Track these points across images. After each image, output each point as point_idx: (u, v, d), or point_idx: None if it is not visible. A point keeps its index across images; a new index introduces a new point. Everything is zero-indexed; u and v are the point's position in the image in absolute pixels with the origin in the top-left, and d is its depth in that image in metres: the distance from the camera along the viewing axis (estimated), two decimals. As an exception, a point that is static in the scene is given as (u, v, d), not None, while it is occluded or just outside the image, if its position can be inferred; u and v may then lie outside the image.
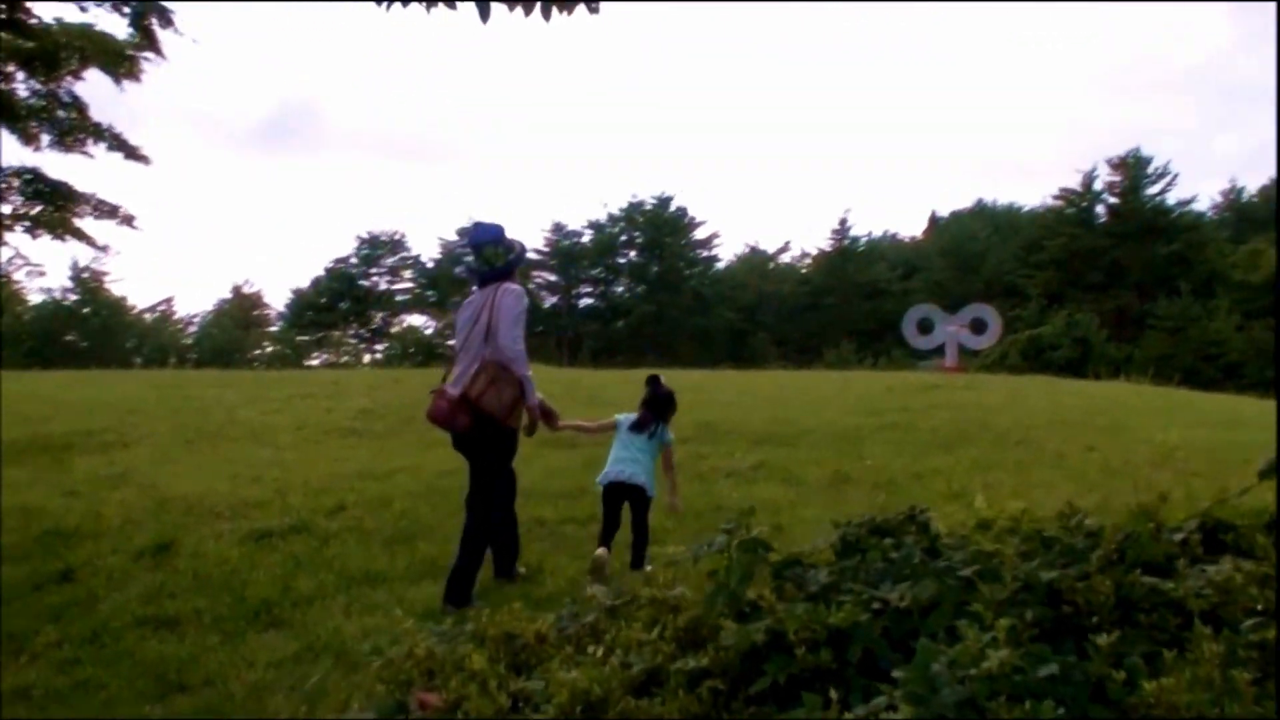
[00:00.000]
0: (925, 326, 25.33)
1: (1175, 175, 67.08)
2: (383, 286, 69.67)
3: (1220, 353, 53.56)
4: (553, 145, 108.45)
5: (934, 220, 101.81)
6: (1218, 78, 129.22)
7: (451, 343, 6.11)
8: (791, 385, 13.66)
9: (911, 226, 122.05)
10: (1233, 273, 63.11)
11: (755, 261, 74.69)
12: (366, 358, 64.14)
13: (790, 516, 6.80)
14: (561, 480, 8.05)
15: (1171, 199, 68.14)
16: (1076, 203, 68.67)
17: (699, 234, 71.48)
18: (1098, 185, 68.41)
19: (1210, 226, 69.91)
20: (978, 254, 73.75)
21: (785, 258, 76.15)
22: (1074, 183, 69.04)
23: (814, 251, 74.40)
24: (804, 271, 73.94)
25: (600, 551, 5.88)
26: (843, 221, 72.14)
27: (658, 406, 6.31)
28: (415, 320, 68.67)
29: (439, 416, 5.70)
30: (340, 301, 66.65)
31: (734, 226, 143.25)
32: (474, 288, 6.03)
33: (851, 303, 68.92)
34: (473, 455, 5.83)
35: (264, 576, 5.90)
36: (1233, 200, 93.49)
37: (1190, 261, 64.72)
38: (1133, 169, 67.14)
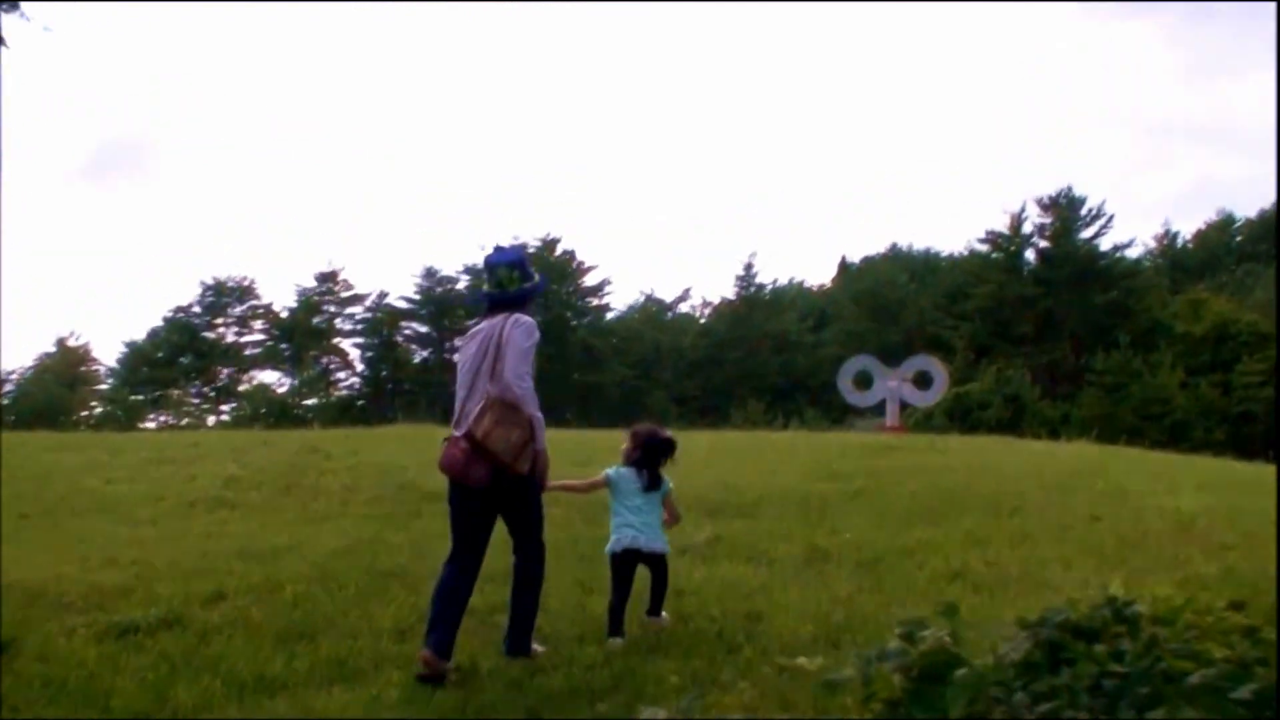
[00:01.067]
0: (863, 381, 25.27)
1: (1110, 216, 69.09)
2: (230, 338, 68.03)
3: (1164, 411, 54.96)
4: (424, 183, 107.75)
5: (844, 266, 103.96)
6: (1148, 115, 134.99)
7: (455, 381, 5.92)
8: (728, 447, 13.32)
9: (820, 273, 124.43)
10: (1174, 324, 65.30)
11: (651, 311, 74.85)
12: (211, 419, 62.28)
13: (767, 602, 6.39)
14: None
15: (1106, 243, 70.39)
16: (1004, 247, 70.27)
17: (588, 280, 71.45)
18: (1027, 228, 70.24)
19: (1149, 273, 72.38)
20: (897, 302, 75.10)
21: (684, 307, 76.57)
22: (1001, 225, 70.80)
23: (716, 300, 74.88)
24: (705, 322, 74.35)
25: (615, 641, 5.86)
26: (748, 267, 72.69)
27: (659, 454, 6.35)
28: (267, 377, 67.10)
29: (454, 467, 5.52)
30: (181, 356, 64.74)
31: (627, 272, 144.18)
32: (479, 319, 5.99)
33: (759, 356, 69.37)
34: (488, 512, 5.72)
35: (131, 683, 5.24)
36: (1166, 245, 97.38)
37: (1129, 311, 66.66)
38: (1064, 210, 69.05)
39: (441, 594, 5.59)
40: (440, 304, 69.46)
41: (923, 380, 24.76)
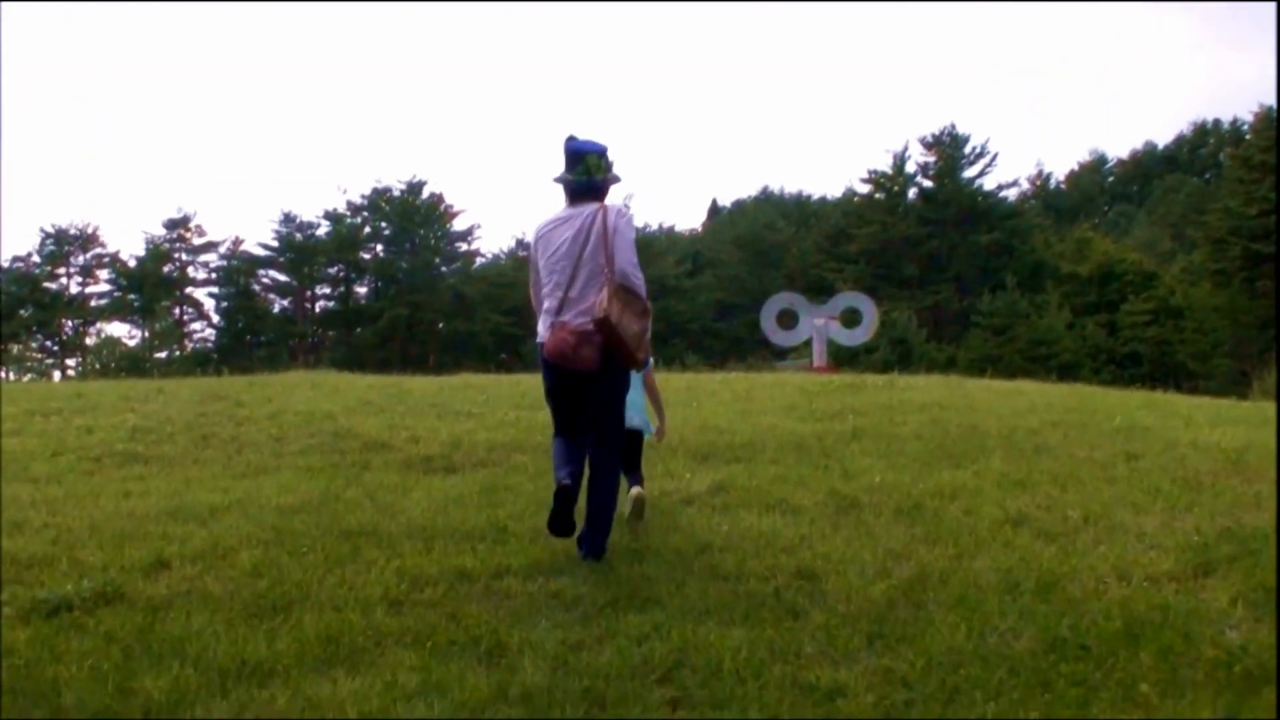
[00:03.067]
0: (787, 320, 24.53)
1: (994, 155, 69.93)
2: (74, 289, 65.06)
3: (1051, 352, 55.71)
4: (279, 124, 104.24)
5: (715, 210, 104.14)
6: (1024, 56, 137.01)
7: (542, 268, 6.00)
8: (674, 388, 12.56)
9: (690, 217, 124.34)
10: (1060, 264, 66.38)
11: (525, 257, 73.70)
12: (56, 375, 59.43)
13: (814, 557, 5.65)
14: (461, 514, 6.65)
15: (990, 183, 71.15)
16: (887, 187, 70.67)
17: (457, 225, 69.91)
18: (910, 167, 70.61)
19: (1033, 213, 73.42)
20: (778, 245, 75.13)
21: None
22: (884, 164, 71.04)
23: (594, 243, 73.89)
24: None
25: (635, 490, 6.48)
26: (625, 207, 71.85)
27: None
28: (115, 329, 64.31)
29: (564, 351, 5.70)
30: (20, 308, 61.65)
31: (498, 217, 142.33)
32: (567, 207, 6.01)
33: (638, 301, 68.66)
34: (579, 397, 5.94)
35: (81, 673, 4.25)
36: (1040, 186, 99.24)
37: (1014, 251, 67.57)
38: (948, 149, 69.56)
39: (558, 450, 5.98)
40: (301, 251, 67.30)
41: (851, 318, 24.24)
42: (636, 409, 6.55)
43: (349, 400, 11.32)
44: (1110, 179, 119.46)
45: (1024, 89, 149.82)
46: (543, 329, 5.95)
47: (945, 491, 6.99)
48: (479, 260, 71.44)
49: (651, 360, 6.63)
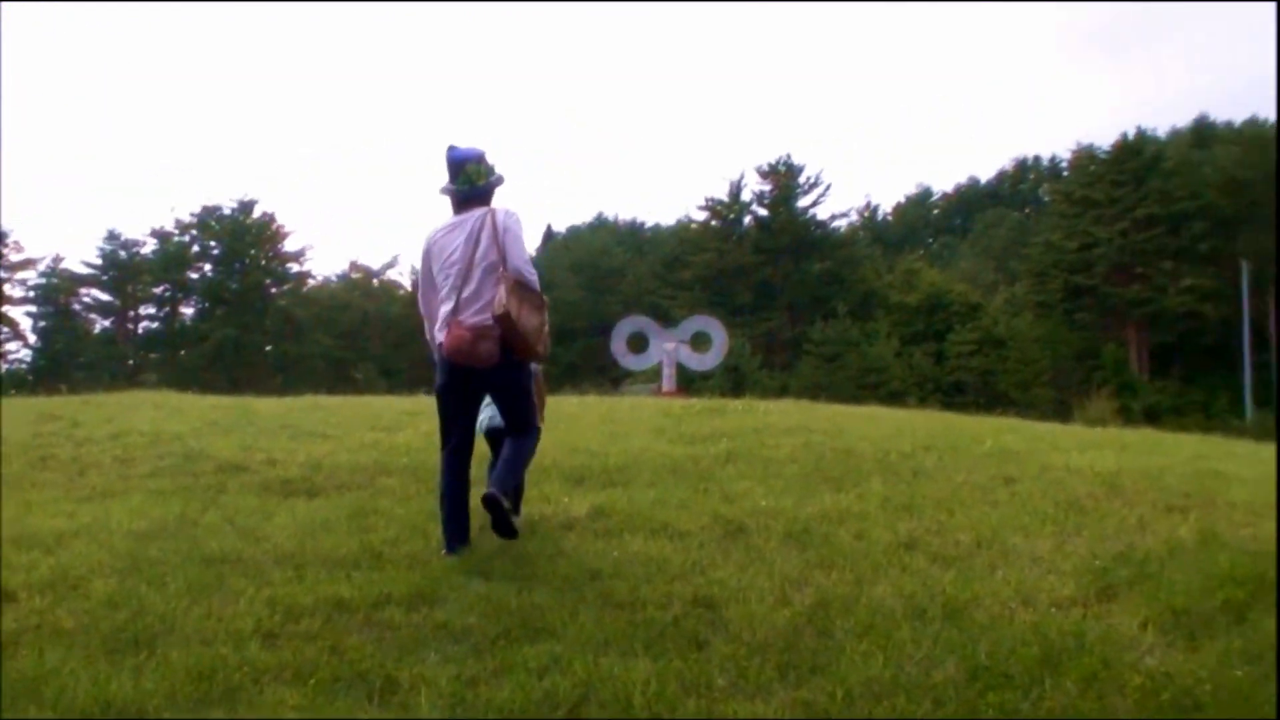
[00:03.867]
0: (637, 343, 24.26)
1: (828, 185, 71.46)
2: None
3: (881, 380, 56.96)
4: (105, 139, 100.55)
5: (549, 235, 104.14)
6: (857, 88, 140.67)
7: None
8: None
9: (527, 244, 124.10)
10: (889, 294, 68.01)
11: (358, 280, 72.31)
12: None
13: (709, 584, 5.44)
14: (331, 540, 6.25)
15: (824, 212, 72.64)
16: (724, 214, 71.57)
17: (289, 245, 68.35)
18: (746, 195, 71.62)
19: (863, 243, 75.13)
20: (614, 271, 75.34)
21: (393, 274, 74.30)
22: (721, 192, 71.92)
23: (424, 269, 73.01)
24: (416, 292, 72.46)
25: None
26: (462, 232, 71.11)
27: None
28: None
29: (460, 347, 5.90)
30: None
31: (331, 238, 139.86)
32: (456, 216, 6.23)
33: (471, 326, 68.03)
34: (480, 396, 6.29)
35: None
36: (867, 217, 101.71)
37: (844, 281, 69.03)
38: (783, 178, 70.77)
39: (452, 492, 6.16)
40: (125, 269, 64.96)
41: (701, 342, 24.16)
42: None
43: (194, 421, 10.73)
44: (935, 212, 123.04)
45: (854, 122, 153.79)
46: (438, 331, 6.14)
47: (831, 515, 6.86)
48: (310, 282, 69.94)
49: (538, 368, 6.79)
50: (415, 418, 11.28)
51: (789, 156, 71.05)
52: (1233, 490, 7.27)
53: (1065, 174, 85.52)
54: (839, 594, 5.28)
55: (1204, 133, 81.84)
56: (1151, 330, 62.04)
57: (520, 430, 6.28)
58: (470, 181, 6.23)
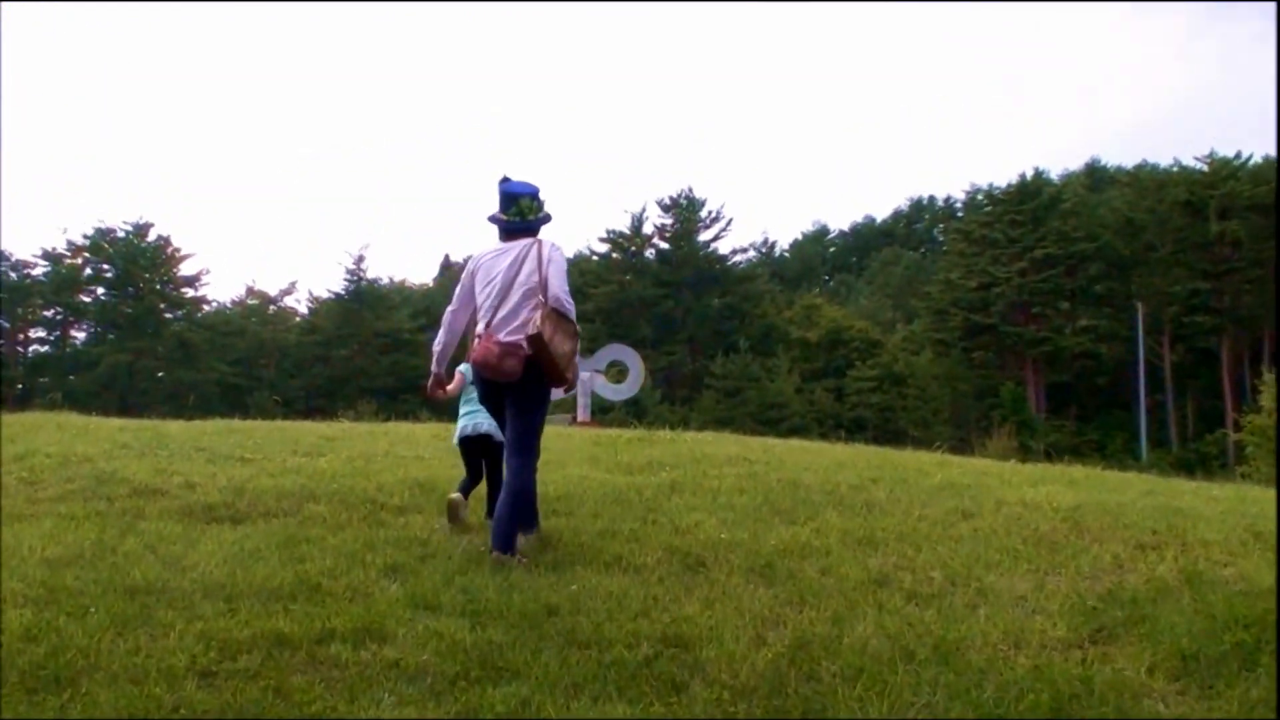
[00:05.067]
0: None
1: (730, 220, 71.73)
2: None
3: (781, 416, 57.12)
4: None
5: (447, 264, 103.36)
6: (752, 125, 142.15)
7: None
8: (423, 438, 11.84)
9: (421, 272, 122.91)
10: (790, 329, 68.43)
11: (255, 305, 70.93)
12: None
13: (677, 622, 5.07)
14: (264, 569, 5.75)
15: (725, 247, 72.83)
16: (625, 247, 71.49)
17: (184, 269, 66.81)
18: (648, 228, 71.61)
19: (764, 278, 75.52)
20: (509, 301, 74.73)
21: (290, 301, 73.02)
22: (623, 225, 71.83)
23: (325, 295, 71.89)
24: (313, 319, 71.24)
25: (455, 495, 7.19)
26: (358, 261, 70.12)
27: None
28: None
29: (489, 360, 6.25)
30: None
31: (228, 263, 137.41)
32: (498, 242, 6.67)
33: (368, 355, 67.22)
34: (502, 406, 6.57)
35: None
36: (765, 254, 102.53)
37: (745, 315, 69.28)
38: (685, 211, 70.94)
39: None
40: (15, 291, 62.96)
41: (617, 372, 23.77)
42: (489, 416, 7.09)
43: (103, 443, 10.06)
44: (831, 249, 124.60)
45: (752, 157, 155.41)
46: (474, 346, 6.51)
47: (792, 549, 6.53)
48: (206, 307, 68.31)
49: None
50: (335, 442, 10.79)
51: (690, 190, 71.34)
52: (1200, 528, 7.06)
53: (960, 214, 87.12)
54: (818, 633, 4.95)
55: (1097, 175, 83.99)
56: (1049, 369, 63.12)
57: (519, 450, 6.48)
58: (522, 215, 6.62)
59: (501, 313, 6.35)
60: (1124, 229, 62.50)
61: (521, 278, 6.38)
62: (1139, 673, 4.46)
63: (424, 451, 10.37)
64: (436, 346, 6.87)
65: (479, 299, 6.53)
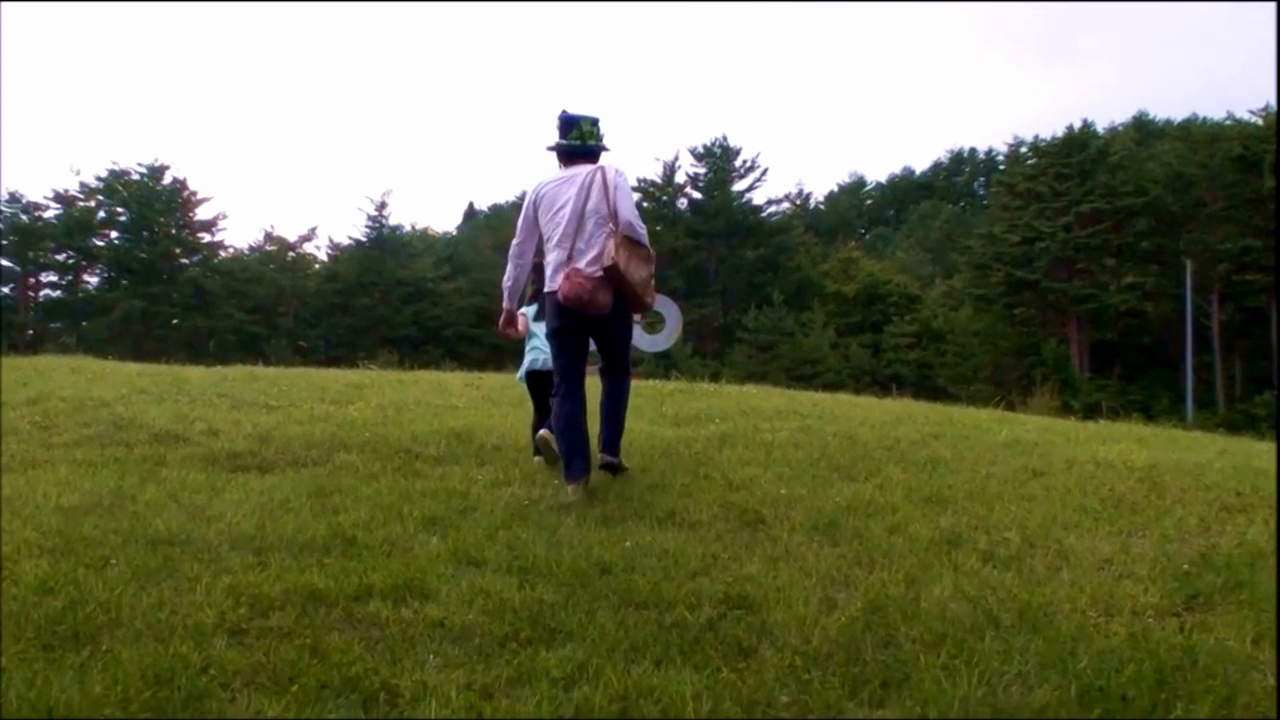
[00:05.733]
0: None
1: (765, 170, 71.04)
2: None
3: (816, 372, 56.66)
4: (5, 96, 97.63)
5: (471, 213, 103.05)
6: (790, 75, 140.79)
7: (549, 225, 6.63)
8: (454, 386, 11.66)
9: (445, 220, 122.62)
10: (825, 283, 67.93)
11: (273, 252, 70.79)
12: None
13: (739, 582, 4.82)
14: (295, 521, 5.54)
15: (760, 197, 72.21)
16: (656, 196, 71.01)
17: (201, 213, 66.64)
18: (680, 178, 71.07)
19: (799, 230, 74.92)
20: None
21: (310, 248, 72.86)
22: (654, 173, 71.34)
23: (346, 242, 71.72)
24: (333, 266, 71.15)
25: (544, 432, 7.17)
26: (381, 207, 69.88)
27: None
28: None
29: (581, 295, 6.28)
30: None
31: (246, 207, 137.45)
32: (562, 169, 6.74)
33: (390, 305, 67.15)
34: (584, 339, 6.74)
35: None
36: (800, 205, 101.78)
37: (780, 268, 68.81)
38: (719, 161, 70.35)
39: (570, 429, 6.59)
40: (26, 234, 62.87)
41: (654, 321, 23.50)
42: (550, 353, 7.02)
43: (120, 387, 9.91)
44: (869, 202, 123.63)
45: (788, 106, 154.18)
46: (550, 280, 6.58)
47: (856, 507, 6.29)
48: (223, 253, 68.25)
49: None
50: (363, 390, 10.62)
51: (724, 138, 70.76)
52: (1287, 489, 6.79)
53: (1001, 167, 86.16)
54: (892, 596, 4.71)
55: (1145, 129, 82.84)
56: (1093, 328, 62.48)
57: (619, 370, 6.91)
58: (584, 138, 6.71)
59: (579, 245, 6.45)
60: (1173, 183, 61.53)
61: (591, 205, 6.46)
62: (1244, 643, 4.20)
63: (457, 401, 10.19)
64: (507, 282, 7.00)
65: (546, 229, 6.62)
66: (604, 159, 6.80)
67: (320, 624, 4.16)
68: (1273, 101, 61.94)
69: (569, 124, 6.72)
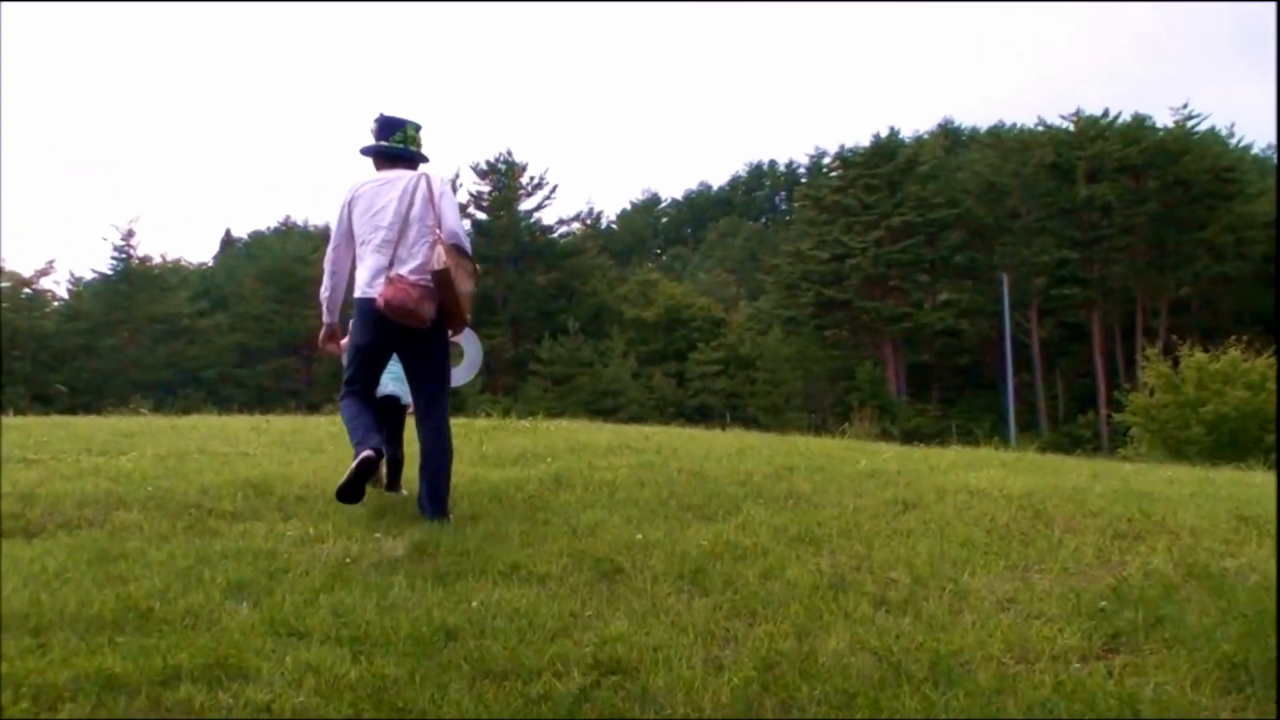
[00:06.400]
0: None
1: (555, 187, 71.06)
2: None
3: (617, 405, 56.76)
4: None
5: (229, 240, 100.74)
6: (576, 87, 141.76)
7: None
8: (239, 431, 11.16)
9: (201, 250, 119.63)
10: (624, 308, 68.23)
11: (6, 289, 67.74)
12: None
13: (607, 643, 4.53)
14: (77, 593, 5.01)
15: (549, 217, 72.28)
16: (436, 217, 70.38)
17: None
18: (461, 196, 70.61)
19: (593, 252, 75.24)
20: (310, 280, 73.17)
21: (48, 282, 69.83)
22: (434, 191, 70.71)
23: (89, 276, 69.17)
24: (75, 304, 68.55)
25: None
26: (128, 236, 67.63)
27: None
28: None
29: (405, 303, 6.29)
30: None
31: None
32: (376, 173, 6.81)
33: (142, 344, 65.09)
34: (387, 357, 6.85)
35: None
36: (591, 225, 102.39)
37: (574, 293, 68.94)
38: (504, 177, 70.19)
39: (360, 412, 6.71)
40: None
41: (454, 354, 23.02)
42: (396, 377, 7.24)
43: None
44: (664, 220, 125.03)
45: (574, 120, 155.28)
46: (365, 286, 6.53)
47: (721, 551, 6.07)
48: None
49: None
50: (134, 438, 10.00)
51: (509, 153, 70.49)
52: (1179, 514, 6.86)
53: (804, 180, 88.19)
54: (783, 651, 4.50)
55: (952, 137, 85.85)
56: (908, 348, 64.24)
57: (435, 402, 6.84)
58: (407, 142, 6.79)
59: (400, 252, 6.46)
60: (986, 194, 63.86)
61: (416, 211, 6.51)
62: (1182, 688, 4.11)
63: (246, 447, 9.66)
64: (325, 293, 6.87)
65: (361, 232, 6.61)
66: (423, 169, 6.85)
67: (122, 715, 3.73)
68: (1085, 108, 64.85)
69: (391, 126, 6.78)
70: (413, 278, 6.38)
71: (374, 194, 6.62)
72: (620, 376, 60.05)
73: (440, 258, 6.32)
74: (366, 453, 6.35)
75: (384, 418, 7.25)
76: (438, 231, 6.45)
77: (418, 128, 6.85)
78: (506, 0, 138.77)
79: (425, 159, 6.89)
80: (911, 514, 7.08)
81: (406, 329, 6.46)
